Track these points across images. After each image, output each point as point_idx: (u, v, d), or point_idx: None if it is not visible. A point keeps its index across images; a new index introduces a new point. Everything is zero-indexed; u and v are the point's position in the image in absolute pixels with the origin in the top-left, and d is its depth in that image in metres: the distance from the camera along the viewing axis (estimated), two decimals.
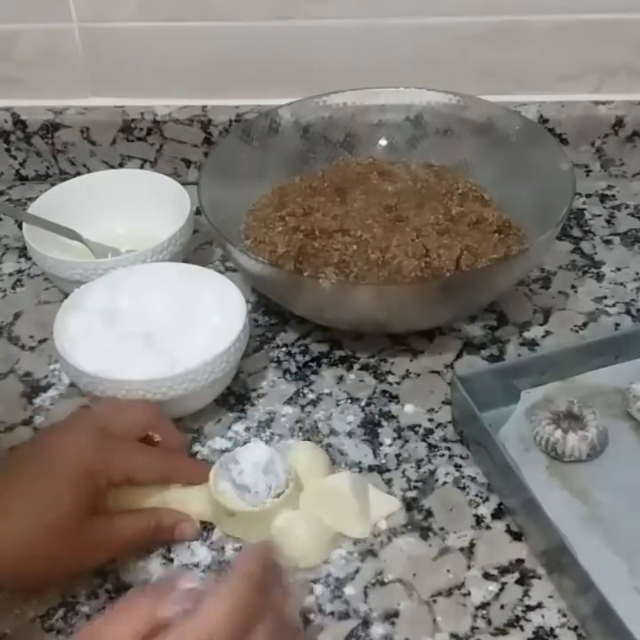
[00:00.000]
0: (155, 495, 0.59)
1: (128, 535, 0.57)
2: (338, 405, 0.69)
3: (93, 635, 0.44)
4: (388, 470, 0.64)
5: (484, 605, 0.55)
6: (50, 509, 0.53)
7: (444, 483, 0.63)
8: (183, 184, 0.82)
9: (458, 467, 0.64)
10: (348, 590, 0.56)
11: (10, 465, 0.57)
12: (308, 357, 0.74)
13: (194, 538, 0.59)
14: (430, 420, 0.67)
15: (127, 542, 0.57)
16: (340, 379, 0.71)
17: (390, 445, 0.66)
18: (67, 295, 0.70)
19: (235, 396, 0.70)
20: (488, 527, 0.59)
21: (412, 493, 0.62)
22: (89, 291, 0.70)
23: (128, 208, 0.84)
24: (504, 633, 0.53)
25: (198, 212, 0.77)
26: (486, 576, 0.57)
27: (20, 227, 0.82)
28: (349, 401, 0.69)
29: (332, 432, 0.67)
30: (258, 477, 0.58)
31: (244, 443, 0.65)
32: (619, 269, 0.82)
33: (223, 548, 0.59)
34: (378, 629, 0.54)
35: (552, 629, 0.53)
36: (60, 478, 0.54)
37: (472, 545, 0.58)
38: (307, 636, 0.54)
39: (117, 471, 0.56)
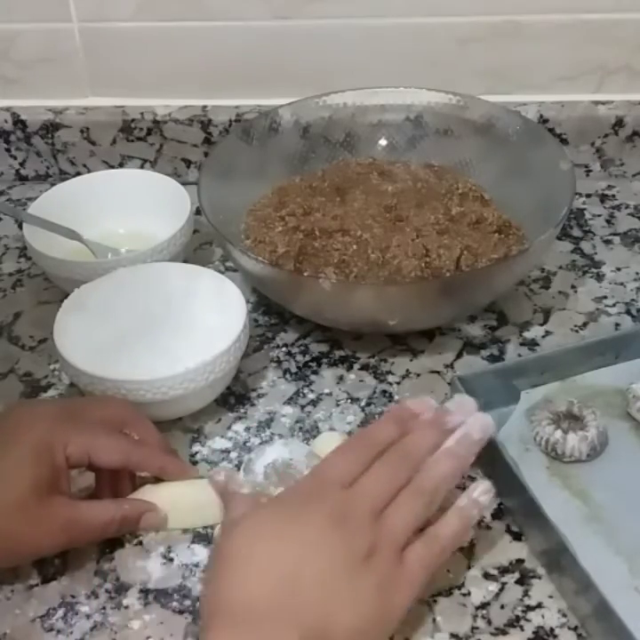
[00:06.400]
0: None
1: (93, 522, 0.56)
2: (338, 405, 0.69)
3: None
4: None
5: (484, 605, 0.55)
6: (7, 484, 0.53)
7: None
8: (183, 184, 0.82)
9: None
10: None
11: None
12: (307, 357, 0.74)
13: (159, 528, 0.59)
14: None
15: (92, 529, 0.56)
16: (340, 379, 0.71)
17: None
18: (67, 295, 0.70)
19: (235, 396, 0.70)
20: (488, 527, 0.59)
21: None
22: (89, 291, 0.70)
23: (128, 208, 0.84)
24: (504, 633, 0.53)
25: (198, 211, 0.77)
26: (486, 576, 0.57)
27: (20, 227, 0.82)
28: (349, 401, 0.69)
29: None
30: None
31: (244, 443, 0.65)
32: (619, 269, 0.82)
33: None
34: None
35: (552, 629, 0.53)
36: (16, 452, 0.54)
37: (472, 545, 0.58)
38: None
39: (76, 447, 0.55)
